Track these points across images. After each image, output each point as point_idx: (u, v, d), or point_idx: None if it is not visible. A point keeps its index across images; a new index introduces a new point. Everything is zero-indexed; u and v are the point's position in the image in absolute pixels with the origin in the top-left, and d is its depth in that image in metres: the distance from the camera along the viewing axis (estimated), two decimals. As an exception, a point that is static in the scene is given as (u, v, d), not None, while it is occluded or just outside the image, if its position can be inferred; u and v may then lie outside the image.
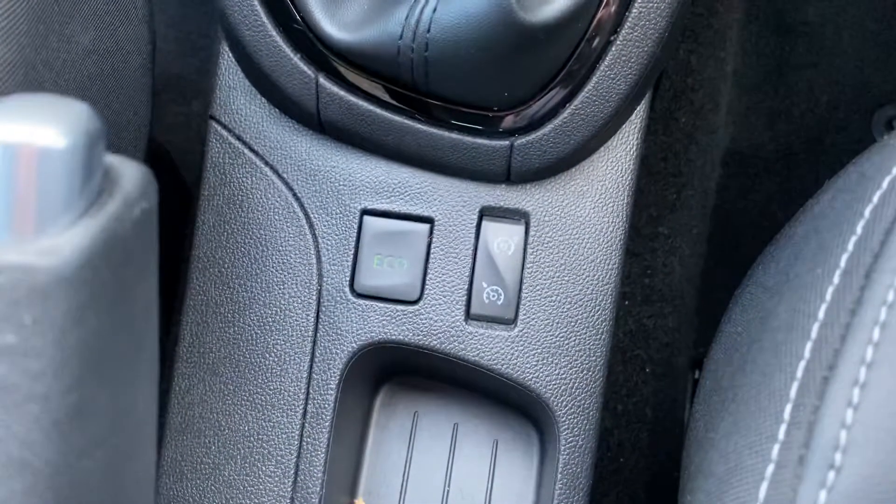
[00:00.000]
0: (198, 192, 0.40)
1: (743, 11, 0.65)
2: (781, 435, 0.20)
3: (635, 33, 0.34)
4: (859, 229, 0.22)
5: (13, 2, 0.27)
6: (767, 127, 0.67)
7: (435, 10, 0.31)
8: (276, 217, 0.37)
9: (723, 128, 0.64)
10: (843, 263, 0.21)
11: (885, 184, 0.22)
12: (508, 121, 0.35)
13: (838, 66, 0.68)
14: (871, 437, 0.18)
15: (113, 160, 0.18)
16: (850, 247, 0.21)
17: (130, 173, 0.18)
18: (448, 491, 0.41)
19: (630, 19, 0.34)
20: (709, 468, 0.22)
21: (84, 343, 0.16)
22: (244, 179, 0.38)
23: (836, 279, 0.21)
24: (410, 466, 0.41)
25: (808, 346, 0.20)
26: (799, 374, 0.20)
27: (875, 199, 0.22)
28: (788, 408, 0.20)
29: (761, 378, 0.21)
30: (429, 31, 0.32)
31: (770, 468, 0.20)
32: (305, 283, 0.37)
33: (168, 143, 0.57)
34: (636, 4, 0.34)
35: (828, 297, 0.21)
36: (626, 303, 0.57)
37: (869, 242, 0.21)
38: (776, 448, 0.20)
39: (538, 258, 0.37)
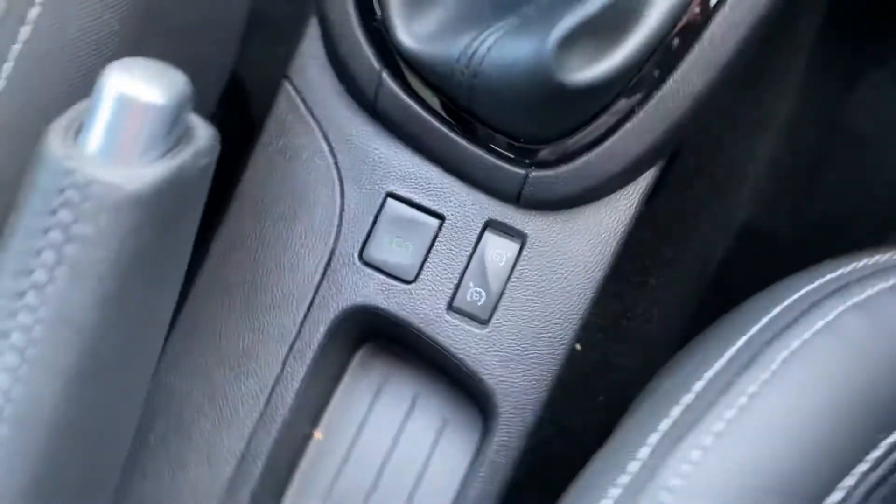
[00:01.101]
0: (257, 136, 0.45)
1: (793, 104, 0.68)
2: (631, 468, 0.25)
3: (663, 105, 0.39)
4: (755, 329, 0.26)
5: None
6: (792, 216, 0.70)
7: (490, 48, 0.36)
8: (316, 178, 0.43)
9: (742, 206, 0.68)
10: (729, 354, 0.26)
11: (776, 310, 0.27)
12: (530, 153, 0.40)
13: (879, 181, 0.70)
14: (700, 492, 0.23)
15: (193, 119, 0.24)
16: (742, 342, 0.26)
17: (203, 132, 0.23)
18: (392, 451, 0.46)
19: (667, 87, 0.38)
20: (573, 485, 0.27)
21: (137, 251, 0.22)
22: (299, 138, 0.44)
23: (718, 364, 0.26)
24: (367, 420, 0.47)
25: (678, 410, 0.25)
26: (662, 427, 0.25)
27: (772, 313, 0.27)
28: (645, 451, 0.25)
29: (635, 423, 0.26)
30: (481, 63, 0.37)
31: (615, 492, 0.25)
32: (324, 240, 0.43)
33: (247, 77, 0.63)
34: (675, 76, 0.38)
35: (707, 375, 0.26)
36: (600, 335, 0.62)
37: (762, 336, 0.26)
38: (624, 477, 0.25)
39: (523, 275, 0.42)
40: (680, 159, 0.63)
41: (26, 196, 0.22)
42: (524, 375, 0.42)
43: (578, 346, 0.57)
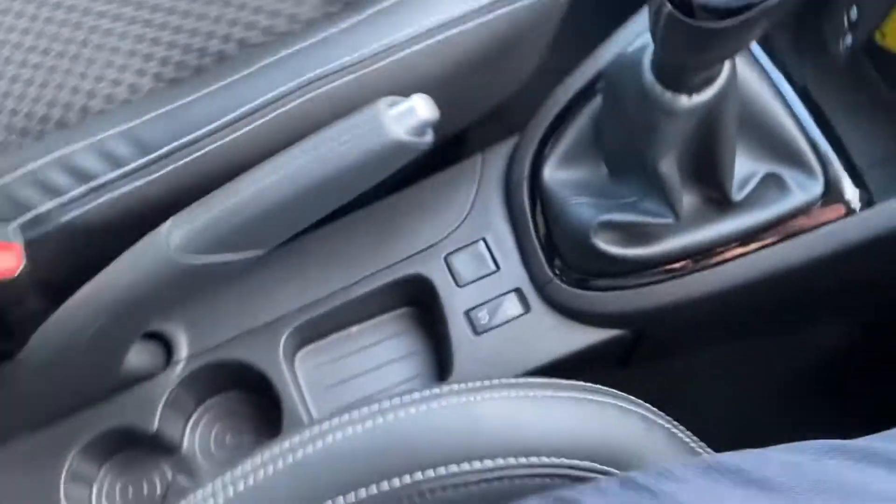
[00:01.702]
0: (451, 163, 0.74)
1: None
2: None
3: (632, 298, 0.64)
4: None
5: None
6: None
7: (573, 205, 0.64)
8: (457, 205, 0.70)
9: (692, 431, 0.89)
10: None
11: None
12: (563, 270, 0.67)
13: None
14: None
15: (429, 132, 0.53)
16: None
17: (427, 138, 0.53)
18: (377, 370, 0.71)
19: (646, 291, 0.64)
20: None
21: (363, 167, 0.51)
22: (465, 183, 0.71)
23: None
24: (379, 344, 0.72)
25: None
26: None
27: None
28: None
29: None
30: (566, 211, 0.65)
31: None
32: (435, 235, 0.69)
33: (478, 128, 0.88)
34: (657, 287, 0.63)
35: None
36: None
37: None
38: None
39: (512, 327, 0.67)
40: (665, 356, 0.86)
41: (349, 119, 0.52)
42: (474, 373, 0.68)
43: None
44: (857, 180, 0.61)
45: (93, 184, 0.59)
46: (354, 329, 0.73)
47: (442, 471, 0.48)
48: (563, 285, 0.67)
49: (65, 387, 0.63)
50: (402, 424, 0.49)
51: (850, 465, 0.39)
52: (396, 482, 0.48)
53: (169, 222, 0.53)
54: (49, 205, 0.60)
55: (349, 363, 0.72)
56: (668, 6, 0.43)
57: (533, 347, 0.68)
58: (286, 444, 0.50)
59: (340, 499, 0.47)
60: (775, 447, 0.43)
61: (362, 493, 0.47)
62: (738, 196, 0.61)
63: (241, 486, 0.47)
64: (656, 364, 0.83)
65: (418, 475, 0.48)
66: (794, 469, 0.39)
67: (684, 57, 0.49)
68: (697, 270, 0.62)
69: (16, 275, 0.56)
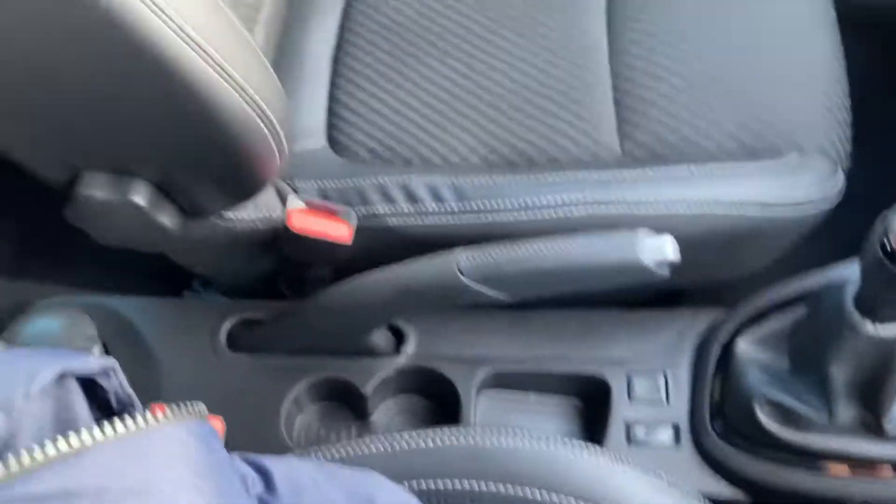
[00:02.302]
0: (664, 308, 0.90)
1: None
2: None
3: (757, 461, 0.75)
4: None
5: None
6: None
7: (757, 384, 0.77)
8: (655, 342, 0.87)
9: None
10: None
11: None
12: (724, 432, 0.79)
13: None
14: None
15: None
16: None
17: (661, 275, 0.70)
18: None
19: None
20: None
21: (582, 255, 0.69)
22: (670, 322, 0.88)
23: None
24: (552, 416, 0.88)
25: None
26: None
27: None
28: None
29: None
30: (743, 373, 0.78)
31: None
32: (631, 353, 0.86)
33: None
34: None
35: None
36: None
37: None
38: None
39: (659, 451, 0.81)
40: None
41: (615, 232, 0.71)
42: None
43: None
44: None
45: (418, 207, 0.83)
46: (532, 395, 0.89)
47: (569, 500, 0.63)
48: (716, 437, 0.79)
49: (327, 331, 0.86)
50: (562, 454, 0.65)
51: None
52: (536, 494, 0.64)
53: (459, 249, 0.74)
54: (383, 209, 0.84)
55: (516, 418, 0.87)
56: (879, 252, 0.58)
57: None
58: (467, 429, 0.67)
59: (490, 485, 0.64)
60: None
61: (508, 487, 0.64)
62: (889, 426, 0.71)
63: (427, 442, 0.66)
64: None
65: (552, 495, 0.64)
66: None
67: (881, 293, 0.62)
68: (827, 474, 0.73)
69: (347, 244, 0.80)
